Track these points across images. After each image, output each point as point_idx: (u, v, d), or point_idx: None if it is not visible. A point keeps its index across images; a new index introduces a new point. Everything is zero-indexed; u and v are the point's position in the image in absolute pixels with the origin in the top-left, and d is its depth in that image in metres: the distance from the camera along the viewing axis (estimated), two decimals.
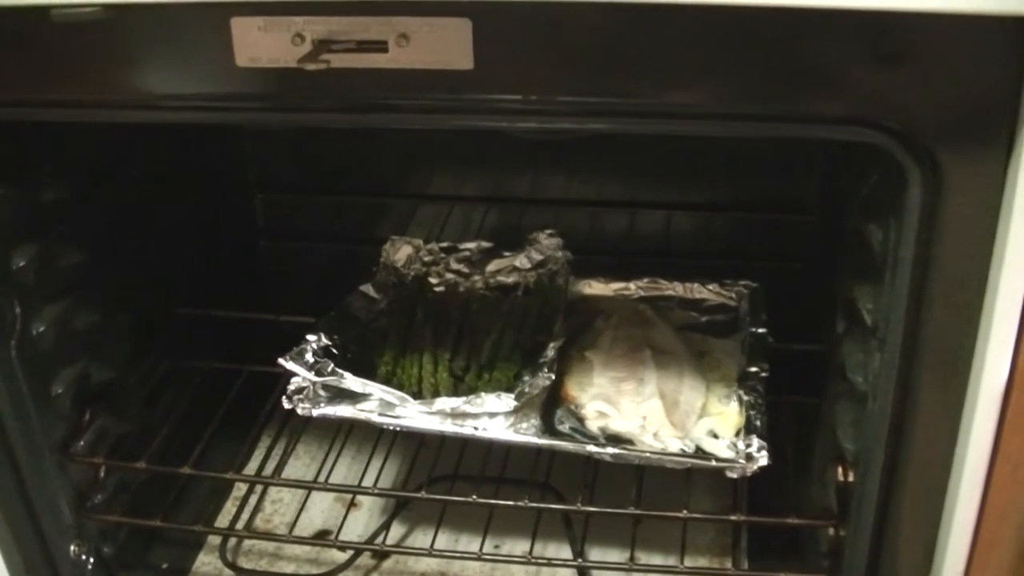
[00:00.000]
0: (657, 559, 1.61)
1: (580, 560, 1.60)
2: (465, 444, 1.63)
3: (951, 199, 1.04)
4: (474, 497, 1.51)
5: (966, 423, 1.15)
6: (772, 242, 1.86)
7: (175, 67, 1.10)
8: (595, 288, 1.78)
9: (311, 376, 1.52)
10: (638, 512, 1.48)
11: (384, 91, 1.08)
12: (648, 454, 1.44)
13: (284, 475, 1.65)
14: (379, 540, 1.66)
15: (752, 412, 1.48)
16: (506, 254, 1.82)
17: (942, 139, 1.01)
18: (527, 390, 1.48)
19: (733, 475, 1.42)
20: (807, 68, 1.00)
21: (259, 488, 1.78)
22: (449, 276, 1.82)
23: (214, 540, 1.73)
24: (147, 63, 1.10)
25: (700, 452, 1.46)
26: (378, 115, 1.13)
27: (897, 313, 1.14)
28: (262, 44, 1.06)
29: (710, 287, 1.75)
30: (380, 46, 1.04)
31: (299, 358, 1.54)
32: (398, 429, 1.51)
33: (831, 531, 1.42)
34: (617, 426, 1.49)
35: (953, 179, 1.03)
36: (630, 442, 1.47)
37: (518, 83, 1.05)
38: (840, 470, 1.38)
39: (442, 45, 1.03)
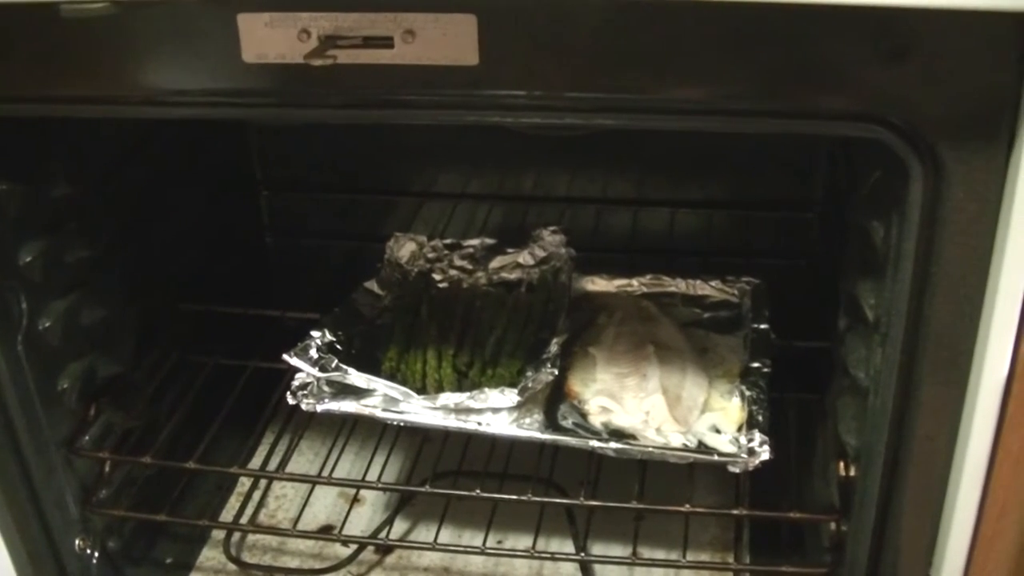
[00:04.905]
0: (659, 554, 1.62)
1: (583, 554, 1.60)
2: (469, 439, 1.63)
3: (952, 194, 1.04)
4: (478, 491, 1.51)
5: (967, 418, 1.16)
6: (774, 239, 1.88)
7: (183, 63, 1.11)
8: (598, 285, 1.79)
9: (315, 372, 1.52)
10: (641, 506, 1.49)
11: (390, 87, 1.08)
12: (651, 449, 1.45)
13: (288, 470, 1.66)
14: (383, 535, 1.67)
15: (754, 407, 1.49)
16: (509, 251, 1.83)
17: (944, 135, 1.02)
18: (530, 385, 1.49)
19: (735, 470, 1.42)
20: (811, 64, 1.00)
21: (263, 483, 1.79)
22: (453, 273, 1.82)
23: (218, 535, 1.73)
24: (155, 59, 1.11)
25: (703, 447, 1.47)
26: (384, 111, 1.14)
27: (899, 308, 1.14)
28: (269, 40, 1.07)
29: (712, 284, 1.76)
30: (386, 42, 1.05)
31: (304, 354, 1.54)
32: (402, 424, 1.52)
33: (833, 526, 1.43)
34: (620, 421, 1.49)
35: (955, 175, 1.03)
36: (633, 437, 1.48)
37: (524, 79, 1.05)
38: (842, 465, 1.39)
39: (448, 41, 1.04)
